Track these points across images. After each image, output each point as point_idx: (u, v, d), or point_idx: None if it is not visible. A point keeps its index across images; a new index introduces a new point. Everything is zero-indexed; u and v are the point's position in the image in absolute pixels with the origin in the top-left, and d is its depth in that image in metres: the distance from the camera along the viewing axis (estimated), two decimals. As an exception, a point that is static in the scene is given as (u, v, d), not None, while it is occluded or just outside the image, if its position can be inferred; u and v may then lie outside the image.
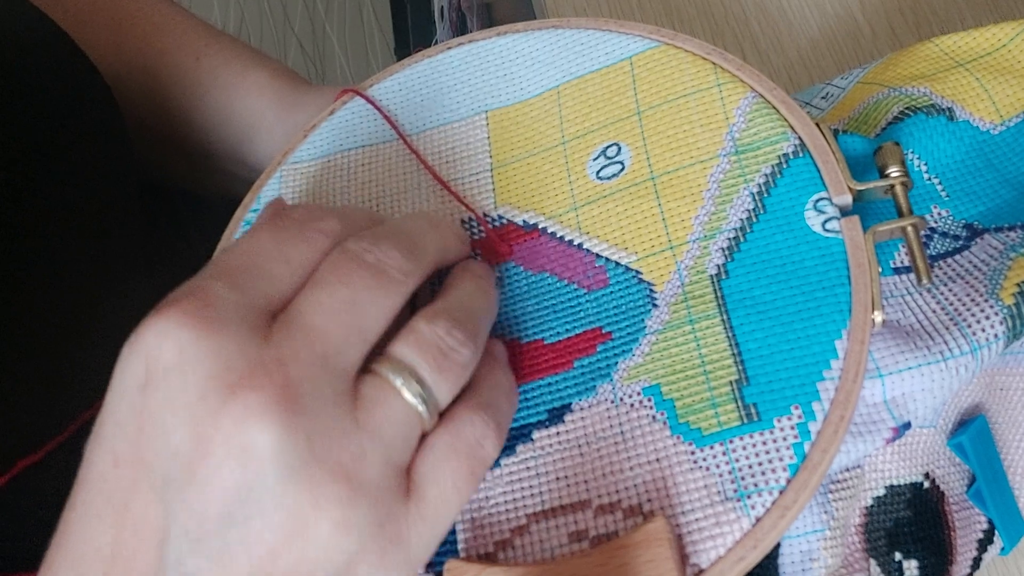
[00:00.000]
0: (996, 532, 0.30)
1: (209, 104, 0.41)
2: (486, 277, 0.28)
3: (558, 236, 0.30)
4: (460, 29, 1.03)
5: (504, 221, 0.31)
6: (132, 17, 0.42)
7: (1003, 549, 0.31)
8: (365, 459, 0.22)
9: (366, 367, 0.23)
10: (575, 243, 0.30)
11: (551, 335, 0.28)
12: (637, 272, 0.28)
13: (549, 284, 0.29)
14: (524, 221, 0.31)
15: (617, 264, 0.29)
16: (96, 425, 0.22)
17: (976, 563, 0.30)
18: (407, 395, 0.23)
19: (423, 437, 0.24)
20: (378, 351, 0.24)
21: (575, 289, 0.29)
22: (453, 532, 0.26)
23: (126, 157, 0.37)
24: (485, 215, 0.31)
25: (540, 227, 0.30)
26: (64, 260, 0.32)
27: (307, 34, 1.37)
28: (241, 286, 0.22)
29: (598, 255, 0.29)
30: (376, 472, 0.22)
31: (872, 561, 0.28)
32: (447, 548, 0.26)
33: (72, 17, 0.37)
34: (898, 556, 0.28)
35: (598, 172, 0.31)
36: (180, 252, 0.40)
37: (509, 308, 0.29)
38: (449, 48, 0.35)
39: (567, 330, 0.28)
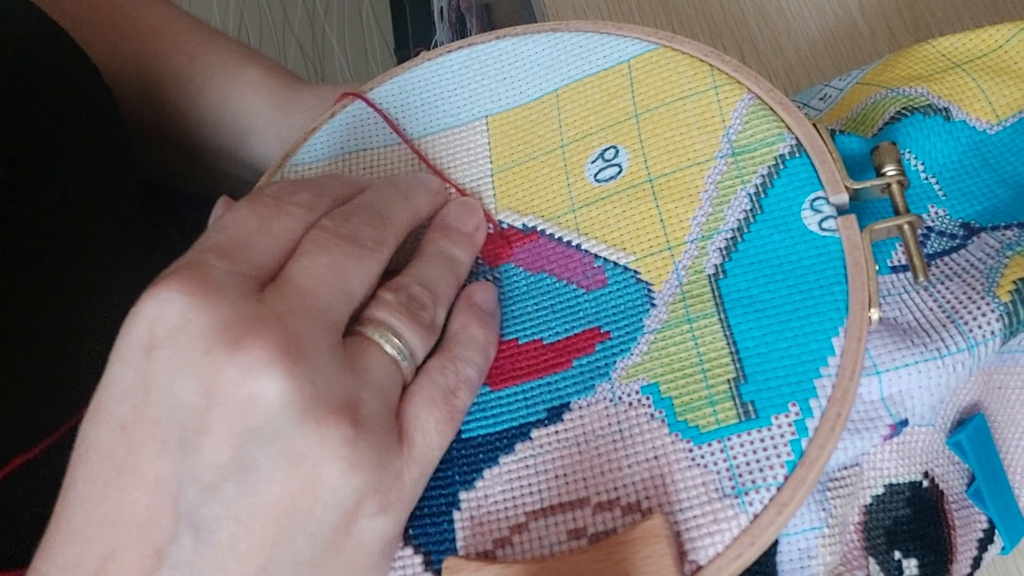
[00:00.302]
0: (996, 531, 0.30)
1: (203, 103, 0.42)
2: (453, 236, 0.30)
3: (556, 237, 0.30)
4: (459, 29, 1.03)
5: (505, 226, 0.31)
6: (128, 17, 0.42)
7: (1004, 548, 0.31)
8: (362, 400, 0.23)
9: (348, 329, 0.25)
10: (573, 244, 0.30)
11: (550, 335, 0.29)
12: (635, 272, 0.28)
13: (548, 284, 0.30)
14: (524, 224, 0.31)
15: (615, 264, 0.29)
16: (94, 402, 0.23)
17: (976, 562, 0.30)
18: (387, 347, 0.25)
19: (404, 389, 0.26)
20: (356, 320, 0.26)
21: (574, 289, 0.29)
22: (452, 530, 0.26)
23: (126, 156, 0.37)
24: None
25: (539, 229, 0.31)
26: (63, 258, 0.33)
27: (307, 34, 1.38)
28: (231, 256, 0.24)
29: (596, 255, 0.29)
30: (374, 411, 0.24)
31: (871, 559, 0.28)
32: (446, 546, 0.26)
33: (69, 17, 0.37)
34: (897, 555, 0.28)
35: (596, 175, 0.31)
36: (180, 250, 0.40)
37: (508, 308, 0.30)
38: (449, 52, 0.36)
39: (566, 330, 0.28)
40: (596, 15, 0.53)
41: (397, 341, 0.26)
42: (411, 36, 1.29)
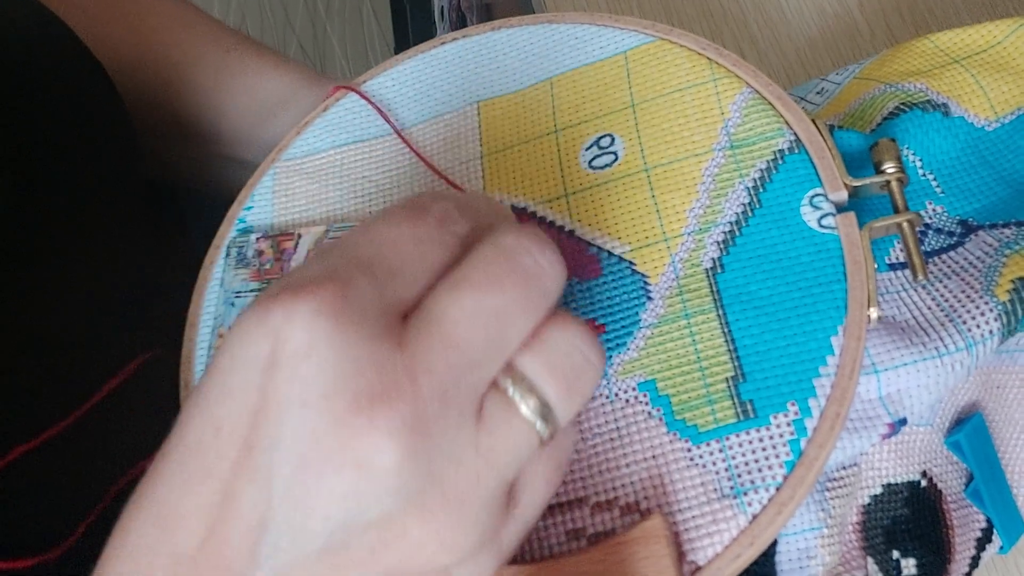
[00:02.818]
0: (994, 531, 0.30)
1: (236, 85, 0.41)
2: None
3: (548, 221, 0.30)
4: (460, 29, 1.03)
5: None
6: (157, 14, 0.42)
7: (1002, 548, 0.31)
8: (480, 484, 0.21)
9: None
10: (566, 229, 0.29)
11: None
12: (631, 263, 0.28)
13: None
14: (513, 205, 0.31)
15: (610, 253, 0.28)
16: (200, 387, 0.21)
17: (975, 561, 0.30)
18: (532, 421, 0.21)
19: None
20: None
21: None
22: None
23: (131, 154, 0.37)
24: None
25: (529, 211, 0.30)
26: (67, 255, 0.32)
27: (307, 34, 1.37)
28: (381, 282, 0.21)
29: (590, 243, 0.29)
30: (488, 495, 0.21)
31: (870, 559, 0.28)
32: None
33: (86, 12, 0.37)
34: (896, 554, 0.28)
35: (591, 161, 0.30)
36: (181, 248, 0.40)
37: None
38: (443, 43, 0.35)
39: None
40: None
41: (544, 410, 0.21)
42: (411, 36, 1.29)
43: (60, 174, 0.33)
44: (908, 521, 0.29)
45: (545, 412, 0.21)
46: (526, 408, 0.21)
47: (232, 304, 0.31)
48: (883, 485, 0.28)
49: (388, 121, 0.26)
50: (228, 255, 0.33)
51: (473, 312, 0.20)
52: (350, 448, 0.19)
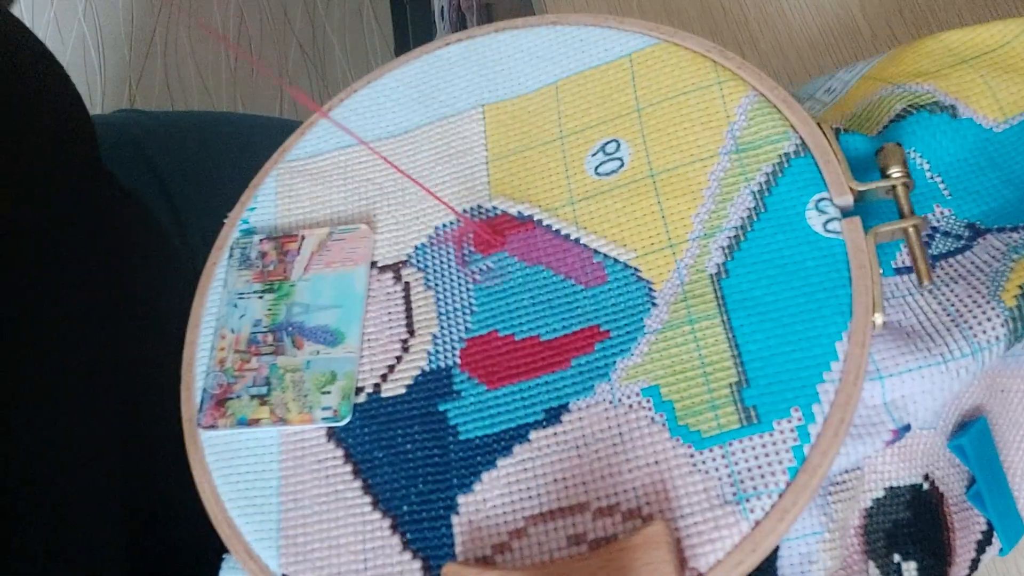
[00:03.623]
0: (995, 533, 0.30)
1: None
2: None
3: (554, 229, 0.30)
4: (460, 29, 1.03)
5: (498, 212, 0.31)
6: None
7: (1001, 550, 0.31)
8: None
9: None
10: (572, 237, 0.29)
11: (547, 331, 0.28)
12: (636, 270, 0.28)
13: (545, 278, 0.29)
14: (519, 212, 0.30)
15: (616, 261, 0.28)
16: None
17: (975, 564, 0.30)
18: None
19: None
20: None
21: (572, 285, 0.29)
22: (451, 535, 0.26)
23: (91, 152, 0.36)
24: (479, 206, 0.31)
25: (535, 219, 0.30)
26: (28, 253, 0.32)
27: (307, 34, 1.37)
28: None
29: (596, 251, 0.29)
30: None
31: (871, 563, 0.28)
32: (444, 551, 0.26)
33: None
34: (897, 558, 0.28)
35: (596, 168, 0.30)
36: (180, 250, 0.40)
37: (504, 302, 0.29)
38: (447, 44, 0.35)
39: (564, 327, 0.28)
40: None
41: None
42: (411, 37, 1.28)
43: (22, 172, 0.32)
44: (910, 524, 0.29)
45: None
46: None
47: (235, 305, 0.31)
48: (886, 488, 0.28)
49: (362, 141, 0.26)
50: (231, 256, 0.33)
51: None
52: None
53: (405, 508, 0.27)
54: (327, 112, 0.35)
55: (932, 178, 0.31)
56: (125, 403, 0.31)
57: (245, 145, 0.41)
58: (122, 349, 0.32)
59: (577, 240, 0.29)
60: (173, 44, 1.29)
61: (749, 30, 0.50)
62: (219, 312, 0.32)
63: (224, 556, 0.29)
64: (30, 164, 0.33)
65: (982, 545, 0.30)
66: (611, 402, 0.26)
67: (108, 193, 0.38)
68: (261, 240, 0.32)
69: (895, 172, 0.27)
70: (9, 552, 0.27)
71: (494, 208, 0.31)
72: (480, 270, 0.30)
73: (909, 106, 0.32)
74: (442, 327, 0.29)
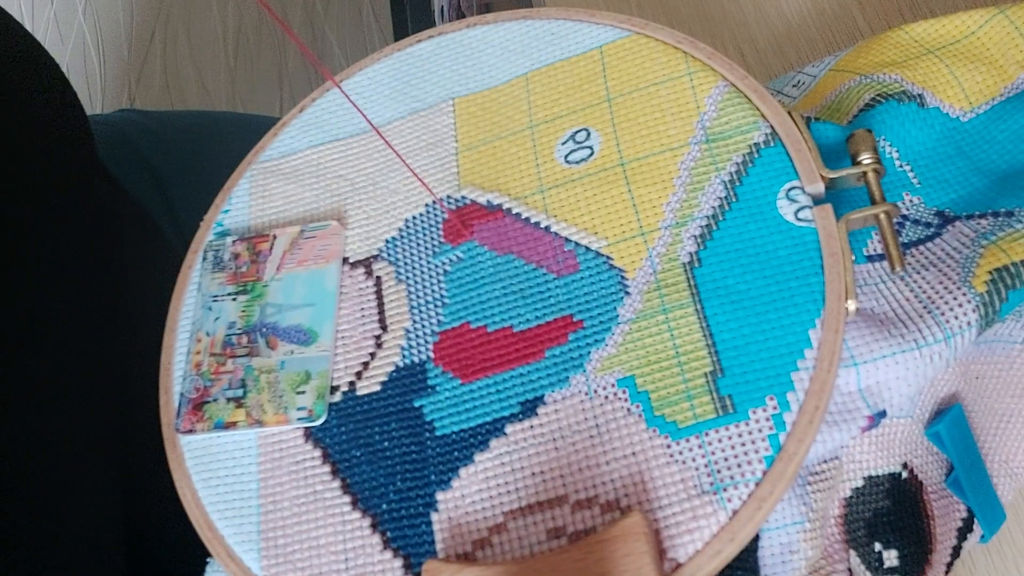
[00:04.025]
0: (975, 520, 0.30)
1: None
2: None
3: (524, 217, 0.30)
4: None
5: (467, 201, 0.31)
6: None
7: (983, 537, 0.31)
8: None
9: None
10: (542, 225, 0.29)
11: (520, 322, 0.28)
12: (608, 258, 0.28)
13: (516, 267, 0.29)
14: (488, 201, 0.30)
15: (587, 249, 0.28)
16: None
17: (956, 551, 0.30)
18: None
19: None
20: None
21: (543, 274, 0.28)
22: (431, 532, 0.26)
23: (89, 156, 0.36)
24: (448, 196, 0.31)
25: (504, 207, 0.30)
26: (25, 247, 0.32)
27: (307, 34, 1.36)
28: None
29: (567, 239, 0.29)
30: None
31: (852, 552, 0.28)
32: (425, 548, 0.26)
33: None
34: (878, 546, 0.28)
35: (566, 156, 0.30)
36: (161, 253, 0.39)
37: (475, 292, 0.29)
38: (419, 40, 0.35)
39: (537, 317, 0.28)
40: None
41: None
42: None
43: (18, 165, 0.32)
44: (890, 513, 0.29)
45: None
46: None
47: (209, 308, 0.31)
48: (864, 478, 0.28)
49: (367, 120, 0.26)
50: (205, 259, 0.32)
51: None
52: None
53: (384, 507, 0.27)
54: (301, 111, 0.35)
55: (901, 166, 0.32)
56: (118, 403, 0.31)
57: (243, 145, 0.41)
58: (116, 349, 0.32)
59: (547, 228, 0.29)
60: (173, 44, 1.28)
61: (748, 30, 0.50)
62: (194, 315, 0.31)
63: (208, 559, 0.29)
64: (25, 159, 0.33)
65: (963, 532, 0.30)
66: (587, 394, 0.26)
67: (105, 191, 0.38)
68: (234, 241, 0.32)
69: (866, 159, 0.27)
70: (3, 554, 0.27)
71: (463, 198, 0.31)
72: (450, 260, 0.30)
73: (878, 95, 0.32)
74: (414, 321, 0.29)
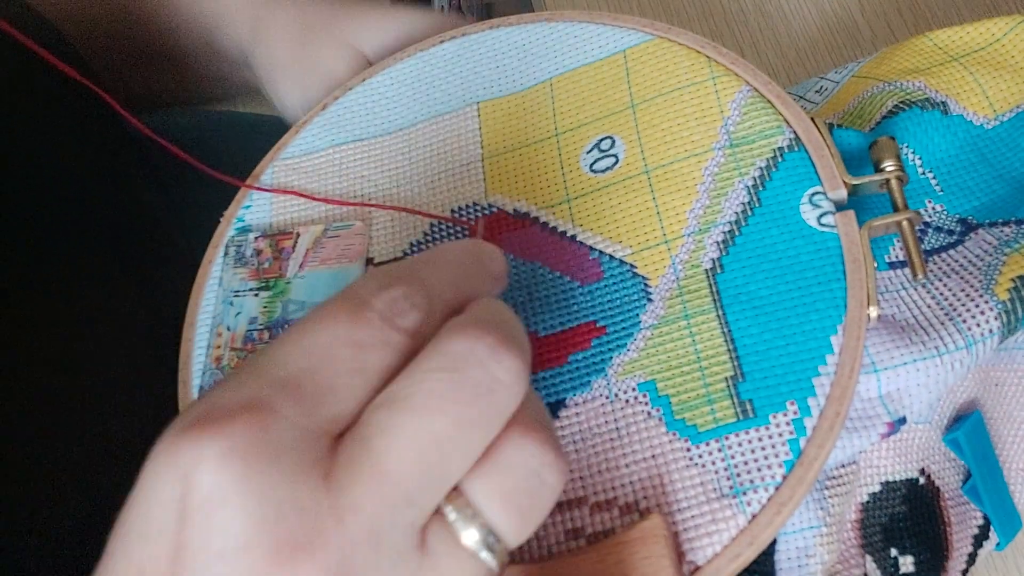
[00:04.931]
0: (991, 528, 0.30)
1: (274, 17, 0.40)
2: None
3: (551, 227, 0.30)
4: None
5: (494, 209, 0.31)
6: None
7: (999, 544, 0.31)
8: None
9: None
10: (568, 235, 0.29)
11: (544, 328, 0.28)
12: (632, 266, 0.28)
13: (542, 275, 0.29)
14: (515, 210, 0.31)
15: (611, 257, 0.29)
16: (123, 520, 0.19)
17: (972, 558, 0.30)
18: (476, 551, 0.19)
19: None
20: None
21: (568, 282, 0.29)
22: None
23: (121, 152, 0.36)
24: (475, 203, 0.31)
25: (532, 216, 0.30)
26: (61, 256, 0.32)
27: None
28: (308, 403, 0.18)
29: (592, 248, 0.29)
30: None
31: (868, 557, 0.28)
32: None
33: None
34: (894, 552, 0.28)
35: (592, 165, 0.30)
36: (180, 247, 0.40)
37: (500, 297, 0.29)
38: (442, 41, 0.35)
39: (561, 323, 0.28)
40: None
41: (493, 541, 0.19)
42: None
43: (52, 175, 0.32)
44: (906, 519, 0.29)
45: (491, 541, 0.19)
46: (468, 538, 0.19)
47: (231, 303, 0.31)
48: (882, 483, 0.29)
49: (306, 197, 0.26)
50: (227, 254, 0.33)
51: (411, 439, 0.18)
52: None
53: None
54: (323, 108, 0.35)
55: (924, 174, 0.32)
56: (117, 399, 0.31)
57: (245, 144, 0.41)
58: (118, 345, 0.32)
59: (573, 237, 0.29)
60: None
61: (749, 30, 0.50)
62: (215, 310, 0.32)
63: None
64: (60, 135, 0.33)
65: (979, 539, 0.30)
66: (608, 397, 0.26)
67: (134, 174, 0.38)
68: (256, 237, 0.32)
69: (889, 166, 0.27)
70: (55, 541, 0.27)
71: (490, 206, 0.31)
72: None
73: (901, 102, 0.32)
74: None
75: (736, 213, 0.28)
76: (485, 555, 0.19)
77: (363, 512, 0.18)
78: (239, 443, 0.17)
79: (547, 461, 0.19)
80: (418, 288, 0.20)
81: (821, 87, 0.38)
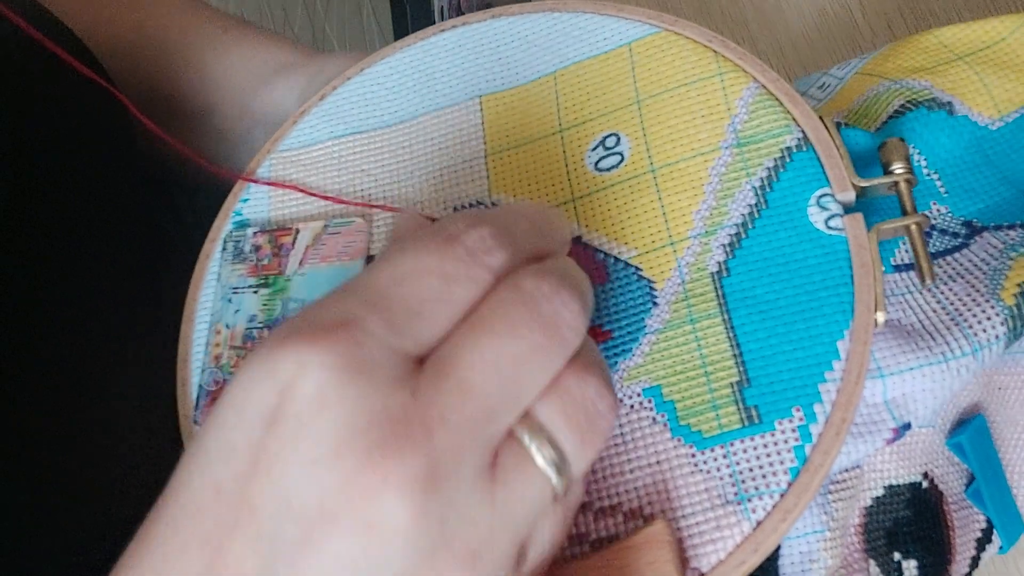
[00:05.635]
0: (994, 531, 0.30)
1: (231, 57, 0.40)
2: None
3: None
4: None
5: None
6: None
7: (1001, 548, 0.31)
8: (494, 541, 0.20)
9: None
10: (573, 236, 0.29)
11: None
12: (637, 268, 0.28)
13: None
14: None
15: (616, 259, 0.28)
16: (199, 440, 0.20)
17: (975, 562, 0.30)
18: (548, 473, 0.20)
19: None
20: None
21: None
22: None
23: (128, 151, 0.36)
24: (479, 202, 0.31)
25: None
26: (64, 251, 0.31)
27: (307, 34, 1.35)
28: (398, 325, 0.20)
29: (597, 249, 0.28)
30: (501, 552, 0.20)
31: (871, 561, 0.28)
32: None
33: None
34: (897, 556, 0.28)
35: (596, 163, 0.30)
36: (177, 241, 0.39)
37: None
38: (442, 31, 0.34)
39: None
40: (596, 8, 0.53)
41: (559, 462, 0.21)
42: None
43: (57, 172, 0.32)
44: (910, 523, 0.29)
45: (560, 464, 0.21)
46: (542, 459, 0.20)
47: (229, 300, 0.31)
48: (885, 487, 0.28)
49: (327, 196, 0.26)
50: (224, 249, 0.32)
51: (491, 359, 0.19)
52: (361, 509, 0.18)
53: None
54: (321, 99, 0.35)
55: (929, 175, 0.31)
56: (118, 399, 0.31)
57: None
58: (118, 345, 0.32)
59: (578, 238, 0.29)
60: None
61: (748, 29, 0.50)
62: (213, 307, 0.31)
63: None
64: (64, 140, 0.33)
65: (982, 543, 0.30)
66: None
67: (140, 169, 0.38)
68: (255, 233, 0.32)
69: (898, 168, 0.27)
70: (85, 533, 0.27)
71: (494, 205, 0.30)
72: None
73: (908, 102, 0.32)
74: None
75: (743, 215, 0.27)
76: (553, 474, 0.20)
77: (449, 424, 0.19)
78: (337, 356, 0.19)
79: (604, 394, 0.21)
80: (504, 232, 0.21)
81: (824, 83, 0.38)
